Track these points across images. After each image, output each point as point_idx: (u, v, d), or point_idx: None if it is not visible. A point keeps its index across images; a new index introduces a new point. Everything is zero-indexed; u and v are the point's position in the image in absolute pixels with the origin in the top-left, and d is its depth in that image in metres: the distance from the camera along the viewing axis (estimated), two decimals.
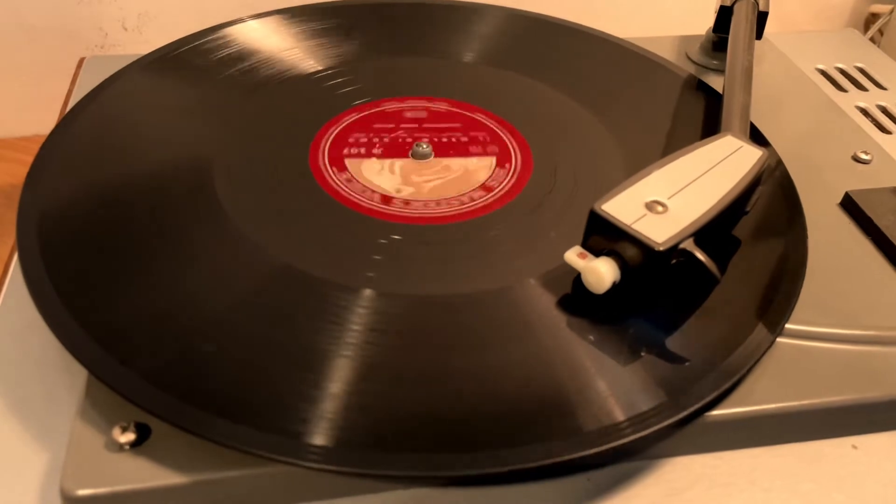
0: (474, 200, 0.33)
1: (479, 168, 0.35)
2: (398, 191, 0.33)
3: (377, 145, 0.36)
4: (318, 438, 0.24)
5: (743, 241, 0.32)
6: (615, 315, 0.28)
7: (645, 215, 0.27)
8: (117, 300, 0.28)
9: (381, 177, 0.34)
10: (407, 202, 0.32)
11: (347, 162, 0.34)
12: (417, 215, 0.32)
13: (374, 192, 0.33)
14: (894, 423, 0.28)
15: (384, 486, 0.25)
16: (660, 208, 0.28)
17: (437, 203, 0.33)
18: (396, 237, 0.31)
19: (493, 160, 0.36)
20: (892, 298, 0.31)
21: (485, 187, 0.33)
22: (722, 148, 0.31)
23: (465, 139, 0.37)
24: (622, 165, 0.36)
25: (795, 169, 0.36)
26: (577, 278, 0.28)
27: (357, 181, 0.33)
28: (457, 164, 0.36)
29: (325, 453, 0.23)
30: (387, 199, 0.32)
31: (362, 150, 0.36)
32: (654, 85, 0.42)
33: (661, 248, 0.26)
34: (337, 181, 0.34)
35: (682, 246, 0.27)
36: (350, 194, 0.33)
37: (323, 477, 0.24)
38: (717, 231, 0.29)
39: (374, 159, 0.35)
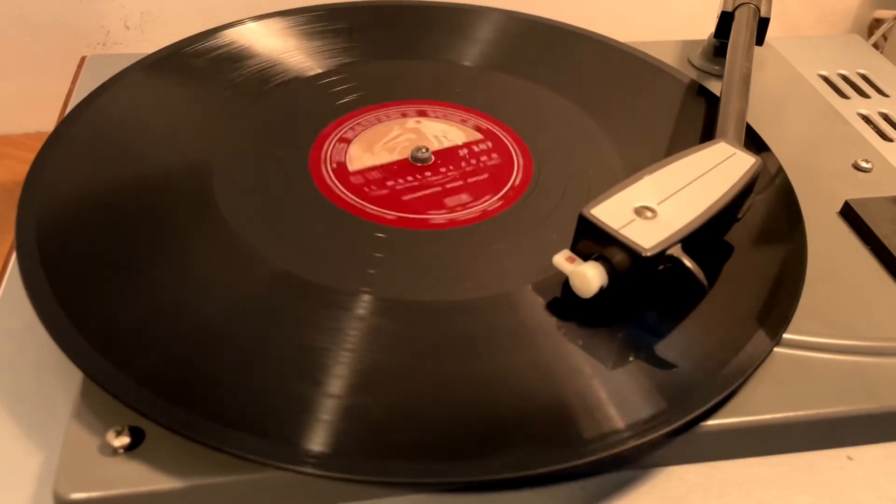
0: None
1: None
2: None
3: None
4: (314, 444, 0.24)
5: (742, 247, 0.32)
6: (612, 323, 0.28)
7: (633, 220, 0.27)
8: (114, 303, 0.28)
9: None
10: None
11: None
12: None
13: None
14: (889, 434, 0.28)
15: (379, 492, 0.25)
16: (649, 214, 0.28)
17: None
18: (394, 243, 0.31)
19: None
20: (890, 309, 0.31)
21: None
22: (715, 154, 0.31)
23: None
24: (622, 170, 0.36)
25: (795, 176, 0.36)
26: (566, 282, 0.28)
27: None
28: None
29: (320, 459, 0.23)
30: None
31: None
32: (656, 89, 0.42)
33: (648, 254, 0.26)
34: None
35: (669, 252, 0.27)
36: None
37: (318, 483, 0.24)
38: (708, 238, 0.29)
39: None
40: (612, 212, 0.28)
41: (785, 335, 0.29)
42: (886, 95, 0.47)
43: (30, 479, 0.25)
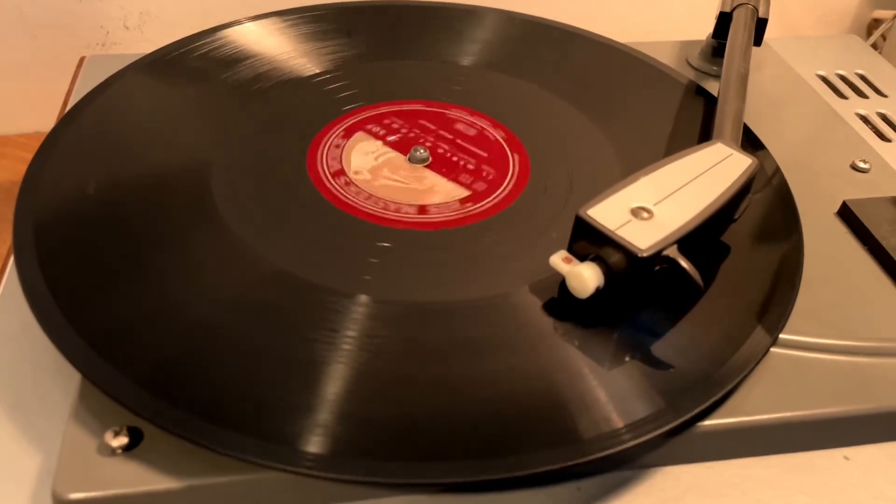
0: (405, 213, 0.33)
1: (447, 191, 0.34)
2: (356, 173, 0.33)
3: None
4: (312, 445, 0.24)
5: (738, 248, 0.32)
6: (609, 323, 0.28)
7: (630, 221, 0.28)
8: (113, 303, 0.28)
9: (361, 157, 0.34)
10: (349, 183, 0.33)
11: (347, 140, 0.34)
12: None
13: (340, 171, 0.33)
14: (886, 434, 0.28)
15: (377, 493, 0.25)
16: (645, 214, 0.28)
17: (375, 202, 0.33)
18: (392, 243, 0.31)
19: (464, 193, 0.34)
20: (887, 309, 0.31)
21: (423, 210, 0.33)
22: (711, 155, 0.31)
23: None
24: (619, 170, 0.36)
25: (793, 176, 0.36)
26: (562, 283, 0.28)
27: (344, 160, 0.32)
28: (432, 179, 0.35)
29: (318, 460, 0.23)
30: (337, 174, 0.32)
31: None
32: (654, 90, 0.42)
33: (644, 255, 0.26)
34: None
35: (665, 253, 0.27)
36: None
37: (316, 484, 0.24)
38: (704, 238, 0.29)
39: (373, 139, 0.34)
40: (608, 212, 0.28)
41: (782, 335, 0.29)
42: (885, 96, 0.47)
43: (29, 479, 0.25)
